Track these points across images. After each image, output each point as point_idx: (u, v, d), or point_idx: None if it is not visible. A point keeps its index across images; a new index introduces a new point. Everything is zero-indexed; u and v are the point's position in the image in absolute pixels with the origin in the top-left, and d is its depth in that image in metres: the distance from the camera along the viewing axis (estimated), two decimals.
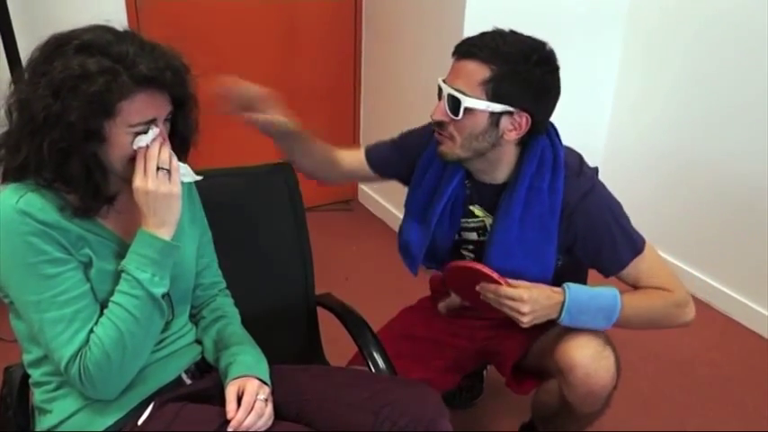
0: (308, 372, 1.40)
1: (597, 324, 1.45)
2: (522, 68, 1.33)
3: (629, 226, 1.49)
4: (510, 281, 1.41)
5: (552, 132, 1.48)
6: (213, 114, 1.35)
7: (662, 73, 2.81)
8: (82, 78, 1.03)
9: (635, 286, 1.50)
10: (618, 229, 1.46)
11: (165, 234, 1.16)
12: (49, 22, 2.28)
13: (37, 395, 1.24)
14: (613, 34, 2.91)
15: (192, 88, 1.18)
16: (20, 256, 1.08)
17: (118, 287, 1.14)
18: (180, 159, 1.18)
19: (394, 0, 3.01)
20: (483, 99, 1.34)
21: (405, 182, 1.66)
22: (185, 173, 1.20)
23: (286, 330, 1.70)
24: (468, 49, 1.35)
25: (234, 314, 1.43)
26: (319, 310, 1.72)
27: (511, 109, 1.35)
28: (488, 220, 1.53)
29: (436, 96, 1.42)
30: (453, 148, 1.42)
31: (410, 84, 2.98)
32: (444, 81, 1.39)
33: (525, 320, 1.40)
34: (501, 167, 1.47)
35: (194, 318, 1.41)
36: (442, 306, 1.74)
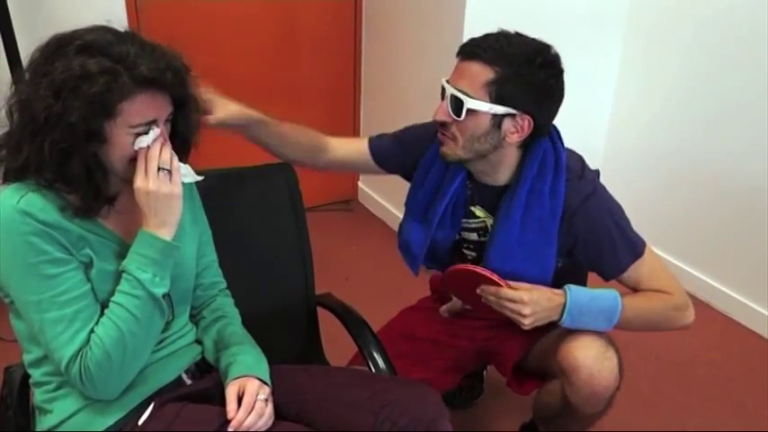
0: (308, 372, 1.40)
1: (598, 326, 1.45)
2: (526, 71, 1.32)
3: (629, 229, 1.49)
4: (511, 283, 1.41)
5: (554, 135, 1.48)
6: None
7: (662, 73, 2.81)
8: (83, 79, 1.03)
9: (635, 289, 1.50)
10: (618, 233, 1.46)
11: (166, 234, 1.16)
12: (50, 22, 2.28)
13: (37, 395, 1.24)
14: (613, 34, 2.91)
15: (193, 89, 1.18)
16: (21, 256, 1.08)
17: (119, 287, 1.14)
18: (181, 160, 1.19)
19: (394, 0, 3.01)
20: (486, 101, 1.34)
21: (405, 177, 1.66)
22: (186, 173, 1.20)
23: (286, 330, 1.70)
24: (473, 50, 1.35)
25: (234, 314, 1.43)
26: (319, 310, 1.72)
27: (513, 111, 1.35)
28: (489, 221, 1.53)
29: (435, 96, 1.42)
30: (455, 150, 1.42)
31: (410, 84, 2.98)
32: (448, 81, 1.39)
33: (526, 322, 1.41)
34: (502, 169, 1.47)
35: (194, 318, 1.41)
36: (443, 310, 1.74)
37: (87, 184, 1.11)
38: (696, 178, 2.75)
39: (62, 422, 1.20)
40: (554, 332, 1.51)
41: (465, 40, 1.39)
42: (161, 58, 1.09)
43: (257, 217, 1.65)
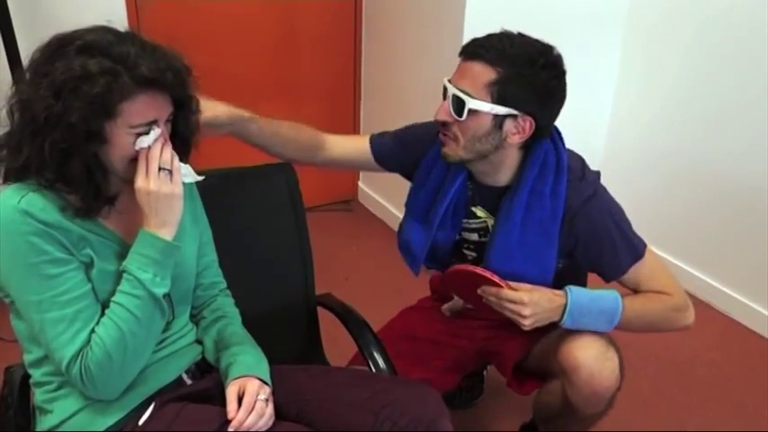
0: (308, 372, 1.40)
1: (599, 327, 1.45)
2: (528, 72, 1.32)
3: (630, 231, 1.49)
4: (511, 283, 1.41)
5: (556, 136, 1.47)
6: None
7: (662, 73, 2.81)
8: (83, 79, 1.03)
9: (635, 290, 1.50)
10: (619, 235, 1.46)
11: (167, 234, 1.16)
12: (50, 22, 2.29)
13: (38, 395, 1.24)
14: (613, 34, 2.91)
15: (193, 89, 1.18)
16: (21, 256, 1.08)
17: (119, 287, 1.15)
18: (181, 160, 1.19)
19: (394, 0, 3.01)
20: (488, 101, 1.33)
21: (405, 176, 1.66)
22: (187, 173, 1.20)
23: (286, 330, 1.70)
24: (475, 50, 1.34)
25: (234, 314, 1.43)
26: (319, 310, 1.72)
27: (515, 112, 1.35)
28: (490, 222, 1.53)
29: (435, 96, 1.42)
30: (456, 150, 1.41)
31: (410, 84, 2.98)
32: (450, 81, 1.38)
33: (527, 323, 1.41)
34: (503, 170, 1.47)
35: (195, 318, 1.41)
36: (445, 308, 1.74)
37: (88, 184, 1.11)
38: (696, 178, 2.75)
39: (62, 422, 1.20)
40: (554, 332, 1.51)
41: (465, 39, 1.39)
42: (162, 59, 1.09)
43: (257, 217, 1.65)
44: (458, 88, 1.35)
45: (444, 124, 1.41)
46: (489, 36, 1.36)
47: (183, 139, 1.23)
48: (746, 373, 2.40)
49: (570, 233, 1.45)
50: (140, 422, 1.19)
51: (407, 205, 1.63)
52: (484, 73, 1.33)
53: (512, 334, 1.57)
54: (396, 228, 1.68)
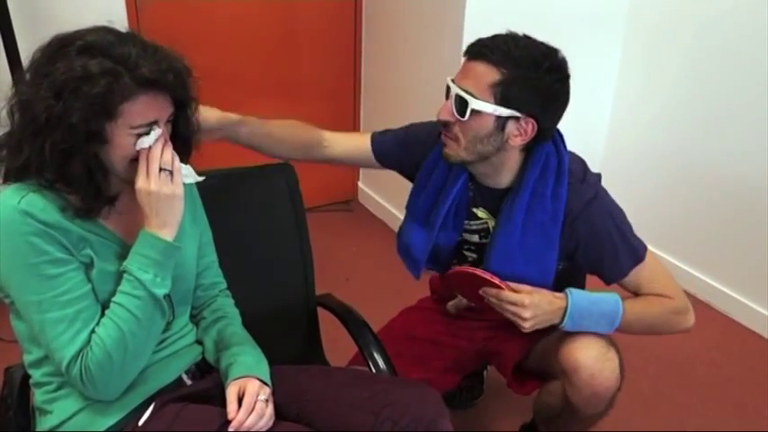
0: (308, 372, 1.40)
1: (599, 329, 1.45)
2: (533, 75, 1.31)
3: (631, 234, 1.48)
4: (512, 285, 1.41)
5: (557, 138, 1.47)
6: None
7: (662, 73, 2.81)
8: (84, 80, 1.03)
9: (636, 293, 1.50)
10: (620, 238, 1.46)
11: (168, 235, 1.16)
12: (50, 22, 2.29)
13: (37, 396, 1.24)
14: (613, 34, 2.91)
15: (194, 90, 1.18)
16: (21, 257, 1.08)
17: (120, 287, 1.15)
18: (182, 160, 1.19)
19: (394, 0, 3.01)
20: (491, 102, 1.33)
21: (404, 175, 1.65)
22: (187, 174, 1.20)
23: (286, 331, 1.70)
24: (480, 50, 1.34)
25: (234, 315, 1.44)
26: (319, 310, 1.72)
27: (518, 114, 1.34)
28: (491, 222, 1.53)
29: (435, 96, 1.41)
30: (458, 151, 1.41)
31: (410, 84, 2.98)
32: (453, 80, 1.38)
33: (527, 325, 1.41)
34: (504, 172, 1.46)
35: (195, 318, 1.41)
36: (451, 305, 1.74)
37: (88, 184, 1.11)
38: (696, 179, 2.75)
39: (62, 423, 1.20)
40: (555, 333, 1.51)
41: (465, 40, 1.39)
42: (162, 60, 1.09)
43: (257, 217, 1.65)
44: (461, 88, 1.34)
45: (446, 125, 1.40)
46: (495, 37, 1.35)
47: (183, 140, 1.23)
48: (746, 373, 2.40)
49: (571, 236, 1.45)
50: (140, 422, 1.19)
51: (408, 207, 1.62)
52: (488, 74, 1.32)
53: (511, 334, 1.57)
54: (396, 228, 1.68)
